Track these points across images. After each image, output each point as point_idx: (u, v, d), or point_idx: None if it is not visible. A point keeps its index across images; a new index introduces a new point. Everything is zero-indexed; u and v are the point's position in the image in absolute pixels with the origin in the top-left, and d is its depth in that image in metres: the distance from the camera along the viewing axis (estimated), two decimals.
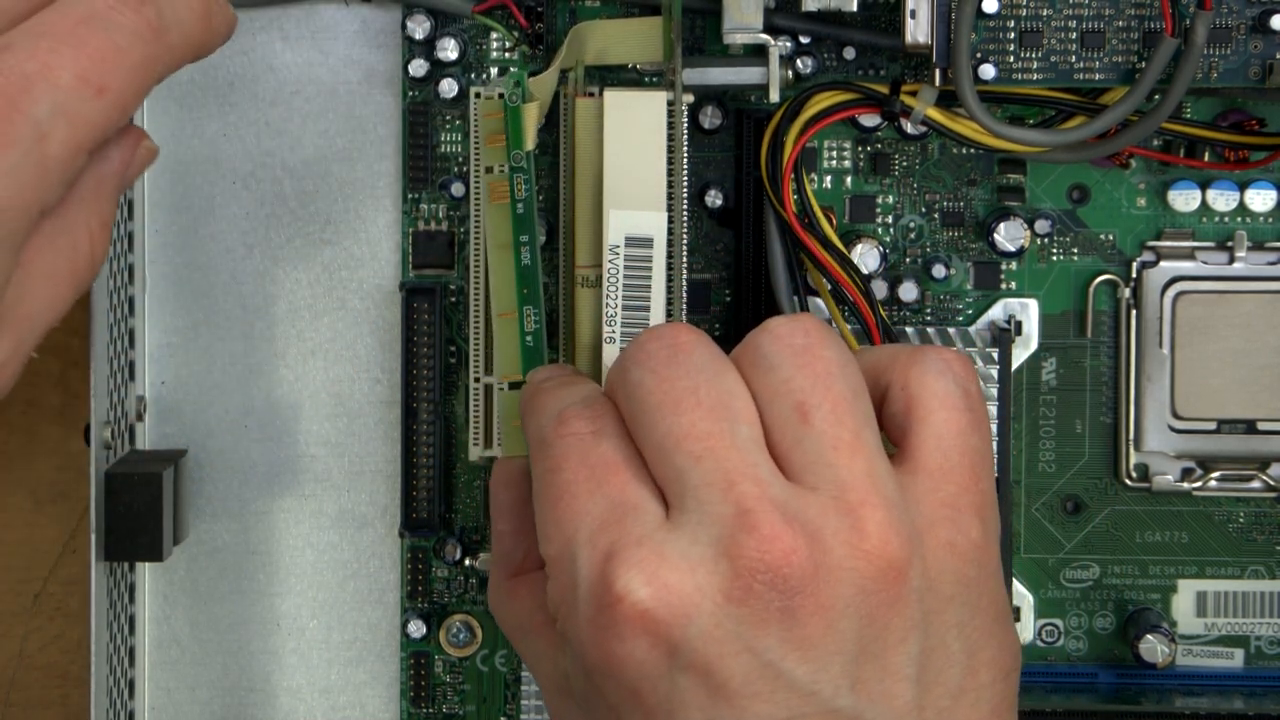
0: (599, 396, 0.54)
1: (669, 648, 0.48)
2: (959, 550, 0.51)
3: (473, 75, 0.67)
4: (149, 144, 0.54)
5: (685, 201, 0.64)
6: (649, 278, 0.63)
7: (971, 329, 0.67)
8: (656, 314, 0.63)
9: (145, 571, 0.69)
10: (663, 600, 0.48)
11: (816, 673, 0.48)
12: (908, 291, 0.67)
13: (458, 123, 0.67)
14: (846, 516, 0.49)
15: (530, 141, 0.62)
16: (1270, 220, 0.67)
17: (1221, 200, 0.67)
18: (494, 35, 0.67)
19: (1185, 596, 0.68)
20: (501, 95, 0.62)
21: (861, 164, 0.68)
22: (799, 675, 0.48)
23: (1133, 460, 0.67)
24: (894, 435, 0.53)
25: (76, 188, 0.51)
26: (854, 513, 0.49)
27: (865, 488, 0.49)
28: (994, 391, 0.65)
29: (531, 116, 0.62)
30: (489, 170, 0.62)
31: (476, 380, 0.66)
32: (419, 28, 0.66)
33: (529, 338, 0.62)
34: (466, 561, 0.69)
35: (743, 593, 0.48)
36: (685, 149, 0.64)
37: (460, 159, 0.67)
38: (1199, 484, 0.67)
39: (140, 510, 0.63)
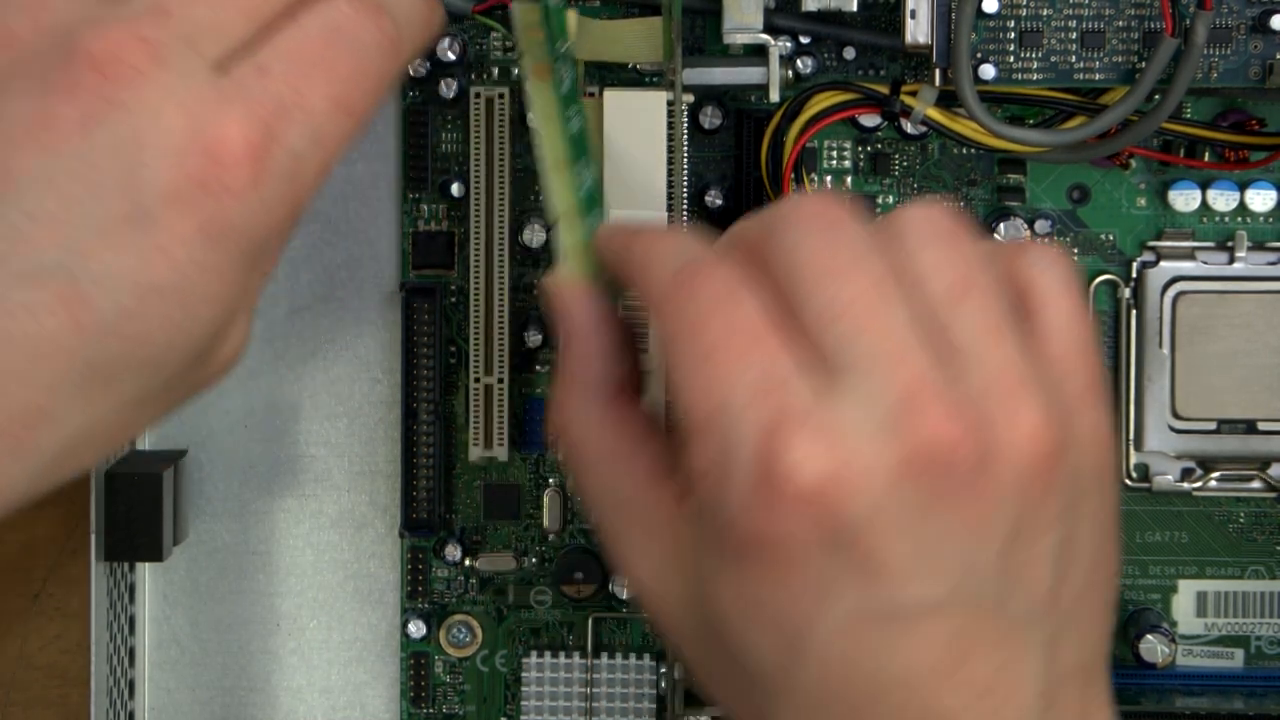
0: (731, 250, 0.51)
1: (832, 526, 0.46)
2: (1098, 439, 0.50)
3: (473, 75, 0.67)
4: None
5: (685, 202, 0.64)
6: None
7: None
8: None
9: (145, 571, 0.69)
10: (832, 477, 0.46)
11: (972, 556, 0.47)
12: None
13: (458, 123, 0.67)
14: (1007, 402, 0.48)
15: (572, 36, 0.61)
16: (1270, 220, 0.67)
17: (1222, 200, 0.67)
18: (494, 35, 0.67)
19: (1185, 596, 0.68)
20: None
21: (861, 164, 0.68)
22: (954, 560, 0.47)
23: (1133, 460, 0.67)
24: None
25: None
26: (1013, 398, 0.48)
27: (1019, 373, 0.48)
28: None
29: (571, 20, 0.61)
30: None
31: (476, 380, 0.67)
32: None
33: (586, 189, 0.60)
34: (466, 562, 0.69)
35: (912, 475, 0.46)
36: (685, 149, 0.64)
37: (460, 159, 0.67)
38: (1199, 484, 0.67)
39: (140, 510, 0.63)
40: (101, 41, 0.46)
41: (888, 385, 0.47)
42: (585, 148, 0.59)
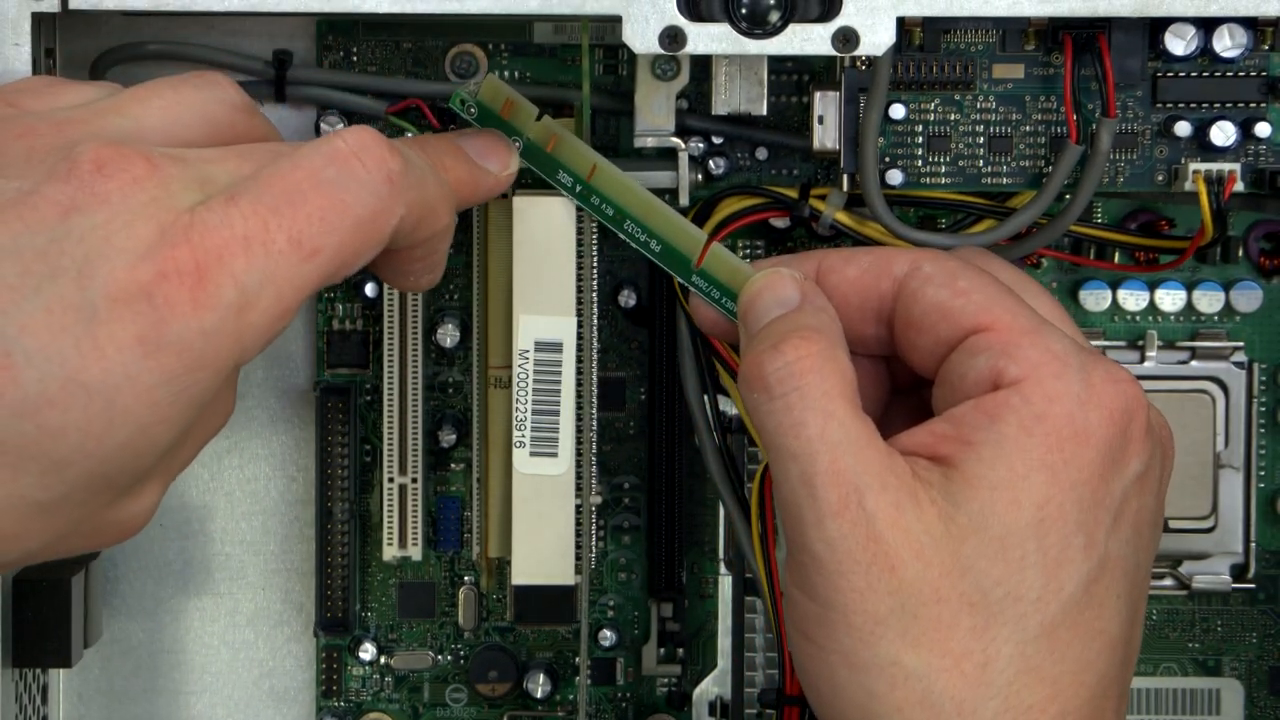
0: None
1: (1134, 449, 0.54)
2: None
3: None
4: None
5: (595, 304, 0.64)
6: (558, 381, 0.63)
7: None
8: (566, 417, 0.64)
9: (59, 671, 0.68)
10: (1141, 407, 0.54)
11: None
12: None
13: None
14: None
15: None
16: (1180, 320, 0.68)
17: (1132, 300, 0.68)
18: (408, 135, 0.67)
19: None
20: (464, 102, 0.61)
21: None
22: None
23: None
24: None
25: None
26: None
27: None
28: None
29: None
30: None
31: (390, 480, 0.67)
32: (333, 128, 0.66)
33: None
34: (381, 660, 0.69)
35: (1167, 439, 0.56)
36: (595, 251, 0.64)
37: None
38: None
39: (48, 616, 0.63)
40: (112, 149, 0.48)
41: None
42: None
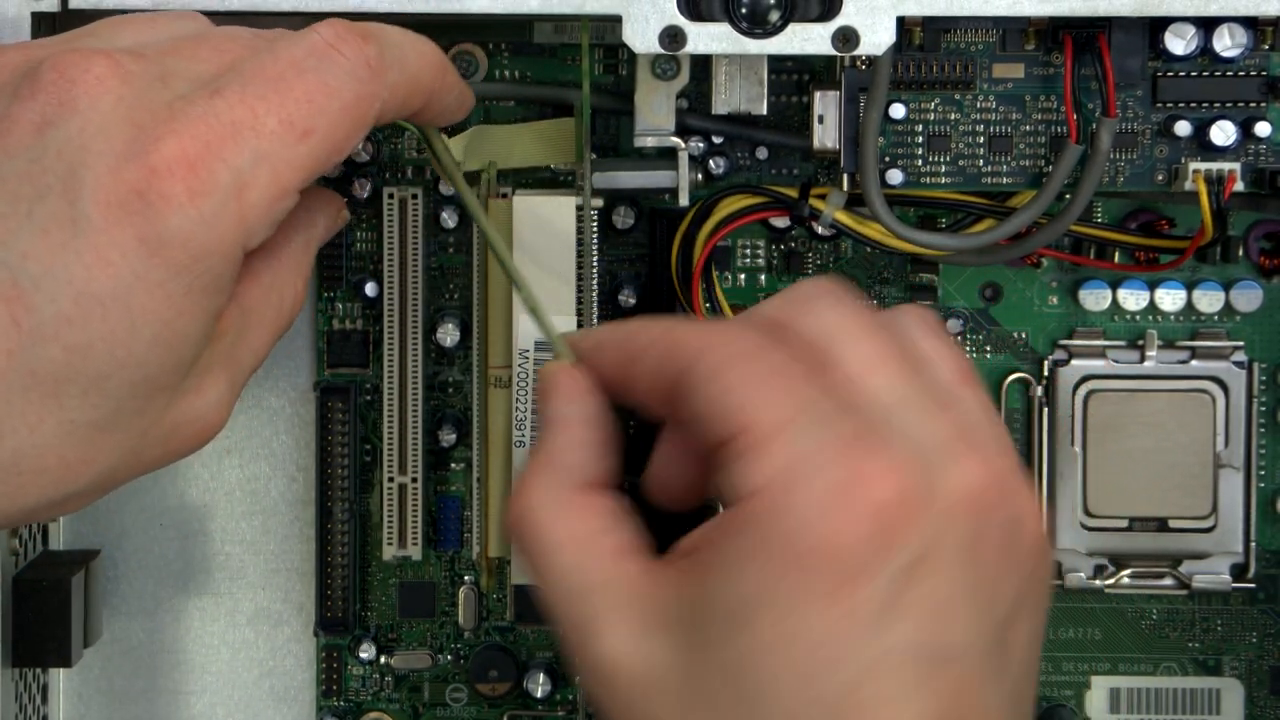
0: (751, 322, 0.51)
1: (902, 543, 0.46)
2: None
3: (386, 175, 0.67)
4: (345, 212, 0.57)
5: (595, 304, 0.64)
6: None
7: None
8: None
9: (59, 672, 0.68)
10: (914, 491, 0.46)
11: (992, 611, 0.48)
12: None
13: (372, 222, 0.67)
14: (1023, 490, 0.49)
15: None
16: (1180, 319, 0.68)
17: (1132, 300, 0.68)
18: (407, 135, 0.67)
19: (1098, 693, 0.69)
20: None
21: (775, 262, 0.68)
22: (982, 610, 0.48)
23: None
24: None
25: (289, 244, 0.53)
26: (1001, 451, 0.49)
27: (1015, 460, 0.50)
28: None
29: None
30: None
31: (390, 479, 0.67)
32: None
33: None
34: (381, 659, 0.69)
35: (966, 513, 0.47)
36: (595, 251, 0.64)
37: (374, 258, 0.67)
38: (1111, 581, 0.67)
39: (48, 616, 0.63)
40: (69, 54, 0.48)
41: (936, 430, 0.47)
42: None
